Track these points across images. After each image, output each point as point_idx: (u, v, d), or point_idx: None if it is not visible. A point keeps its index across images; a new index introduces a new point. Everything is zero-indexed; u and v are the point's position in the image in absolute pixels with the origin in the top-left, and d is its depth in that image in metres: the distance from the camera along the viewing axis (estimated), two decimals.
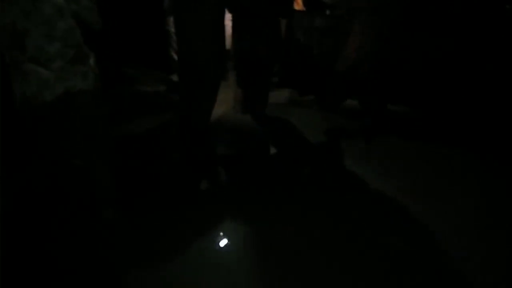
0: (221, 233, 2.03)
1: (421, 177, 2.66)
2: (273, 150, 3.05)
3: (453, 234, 2.09)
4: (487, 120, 3.52)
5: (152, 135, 3.02)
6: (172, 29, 3.58)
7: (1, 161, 1.65)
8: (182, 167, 2.61)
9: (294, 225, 2.11)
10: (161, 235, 1.98)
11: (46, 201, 1.92)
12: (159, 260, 1.80)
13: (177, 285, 1.69)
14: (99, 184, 1.90)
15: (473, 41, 3.96)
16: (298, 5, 4.71)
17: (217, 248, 1.93)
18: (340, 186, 2.55)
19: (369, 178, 2.59)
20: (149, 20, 3.89)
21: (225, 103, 3.42)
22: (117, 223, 1.97)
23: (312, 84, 4.12)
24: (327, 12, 4.56)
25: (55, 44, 1.53)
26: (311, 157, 2.94)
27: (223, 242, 1.97)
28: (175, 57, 3.78)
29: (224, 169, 2.64)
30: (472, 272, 1.85)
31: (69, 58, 1.59)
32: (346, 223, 2.16)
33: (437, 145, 3.16)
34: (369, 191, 2.48)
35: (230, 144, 3.01)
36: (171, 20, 3.47)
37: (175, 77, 3.82)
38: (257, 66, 3.22)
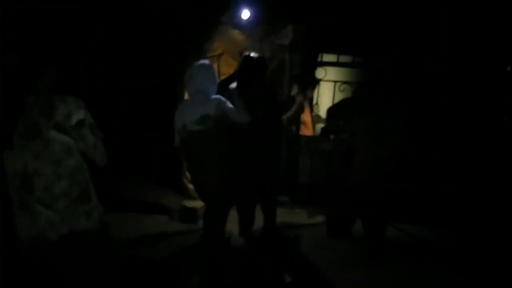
0: None
1: None
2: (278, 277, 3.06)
3: None
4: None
5: (162, 262, 3.09)
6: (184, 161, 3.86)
7: None
8: None
9: None
10: None
11: None
12: None
13: None
14: None
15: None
16: (308, 130, 5.05)
17: None
18: None
19: None
20: (164, 152, 4.23)
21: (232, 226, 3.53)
22: None
23: (322, 204, 4.23)
24: (331, 136, 4.88)
25: (61, 183, 1.60)
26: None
27: None
28: (188, 184, 4.02)
29: None
30: None
31: (74, 197, 1.63)
32: None
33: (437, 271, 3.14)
34: None
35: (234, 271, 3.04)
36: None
37: (188, 203, 4.01)
38: (255, 189, 3.32)
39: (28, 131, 1.56)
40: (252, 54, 3.04)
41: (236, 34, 3.96)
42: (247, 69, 3.02)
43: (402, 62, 4.62)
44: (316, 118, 5.37)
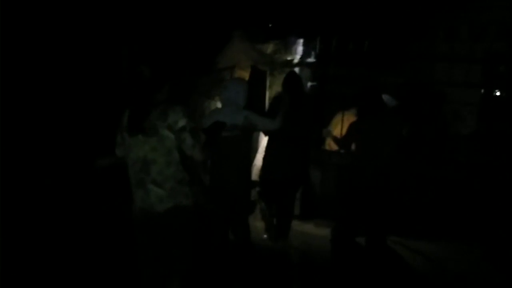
0: None
1: None
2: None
3: None
4: None
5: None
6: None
7: None
8: None
9: None
10: None
11: None
12: None
13: None
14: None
15: None
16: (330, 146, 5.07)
17: None
18: None
19: None
20: None
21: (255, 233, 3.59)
22: None
23: (329, 216, 4.24)
24: (341, 150, 4.89)
25: (170, 169, 2.06)
26: None
27: None
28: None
29: None
30: None
31: (178, 180, 2.08)
32: None
33: None
34: None
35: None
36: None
37: None
38: (283, 188, 3.73)
39: (148, 130, 2.02)
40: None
41: (248, 48, 4.10)
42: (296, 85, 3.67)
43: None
44: (325, 132, 5.37)
